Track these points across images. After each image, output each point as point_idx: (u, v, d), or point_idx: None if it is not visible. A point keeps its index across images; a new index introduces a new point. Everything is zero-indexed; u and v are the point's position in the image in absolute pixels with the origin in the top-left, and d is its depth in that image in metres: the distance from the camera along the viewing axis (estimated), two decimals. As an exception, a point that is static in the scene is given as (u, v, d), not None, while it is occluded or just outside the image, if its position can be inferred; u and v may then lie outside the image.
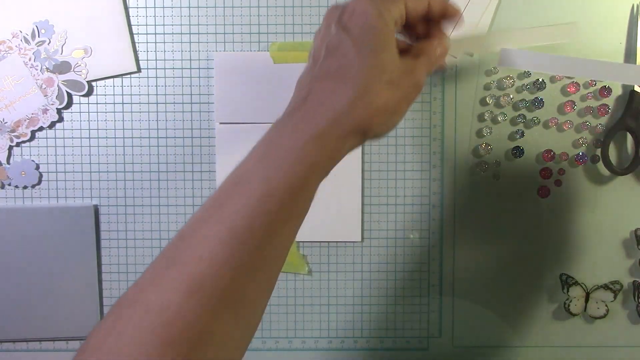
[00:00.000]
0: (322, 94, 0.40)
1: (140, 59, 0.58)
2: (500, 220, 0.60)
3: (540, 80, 0.58)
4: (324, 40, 0.42)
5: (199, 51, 0.59)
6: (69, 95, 0.58)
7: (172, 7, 0.58)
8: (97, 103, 0.59)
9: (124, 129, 0.59)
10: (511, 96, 0.59)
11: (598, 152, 0.59)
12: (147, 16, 0.58)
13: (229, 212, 0.36)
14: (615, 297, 0.60)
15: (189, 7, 0.58)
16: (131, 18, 0.58)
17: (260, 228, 0.36)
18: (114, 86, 0.58)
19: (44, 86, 0.57)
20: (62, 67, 0.57)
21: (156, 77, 0.59)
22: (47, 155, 0.59)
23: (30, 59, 0.57)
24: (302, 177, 0.37)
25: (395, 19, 0.42)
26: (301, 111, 0.39)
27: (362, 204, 0.60)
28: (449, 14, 0.47)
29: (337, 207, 0.59)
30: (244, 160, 0.38)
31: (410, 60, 0.43)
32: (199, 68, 0.59)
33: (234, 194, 0.37)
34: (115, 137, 0.59)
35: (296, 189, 0.37)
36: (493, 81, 0.59)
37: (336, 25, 0.41)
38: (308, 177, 0.38)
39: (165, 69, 0.59)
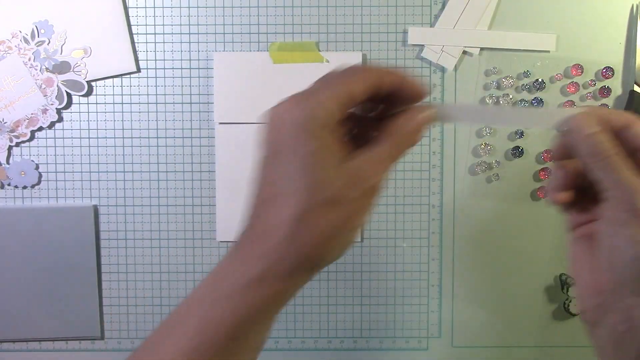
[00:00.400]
0: (263, 224, 0.35)
1: (140, 59, 0.58)
2: (500, 220, 0.60)
3: (540, 80, 0.58)
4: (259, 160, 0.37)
5: (199, 51, 0.59)
6: (69, 95, 0.58)
7: (172, 7, 0.58)
8: (96, 103, 0.59)
9: (123, 129, 0.59)
10: (511, 96, 0.59)
11: (598, 152, 0.59)
12: (147, 16, 0.58)
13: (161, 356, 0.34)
14: (615, 297, 0.60)
15: (189, 7, 0.58)
16: (131, 18, 0.58)
17: None
18: (113, 86, 0.58)
19: (43, 86, 0.57)
20: (62, 67, 0.57)
21: (156, 77, 0.59)
22: (47, 155, 0.59)
23: (30, 59, 0.57)
24: (244, 322, 0.34)
25: (332, 111, 0.34)
26: (246, 242, 0.35)
27: (362, 204, 0.60)
28: (412, 96, 0.38)
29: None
30: (191, 293, 0.36)
31: (363, 158, 0.36)
32: (199, 68, 0.59)
33: (167, 337, 0.35)
34: (115, 137, 0.59)
35: (237, 332, 0.34)
36: (493, 81, 0.59)
37: (262, 143, 0.36)
38: (252, 320, 0.34)
39: (165, 69, 0.59)
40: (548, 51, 0.59)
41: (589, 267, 0.38)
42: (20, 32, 0.57)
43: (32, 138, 0.58)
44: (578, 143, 0.36)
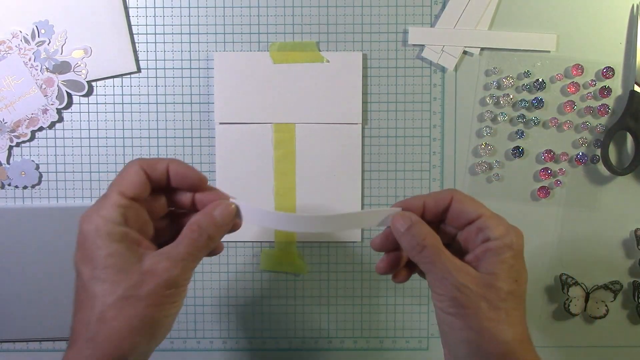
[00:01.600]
0: (75, 329, 0.39)
1: (140, 59, 0.58)
2: (500, 220, 0.60)
3: (540, 80, 0.58)
4: None
5: (199, 51, 0.59)
6: (69, 95, 0.58)
7: (172, 7, 0.58)
8: (97, 103, 0.59)
9: (123, 129, 0.59)
10: (511, 96, 0.59)
11: (598, 152, 0.59)
12: (147, 16, 0.58)
13: None
14: (615, 297, 0.60)
15: (189, 7, 0.58)
16: (131, 18, 0.58)
17: None
18: (113, 86, 0.59)
19: (44, 86, 0.57)
20: (62, 67, 0.57)
21: (156, 77, 0.59)
22: (47, 155, 0.59)
23: (30, 59, 0.57)
24: None
25: (112, 219, 0.38)
26: (68, 348, 0.39)
27: (362, 204, 0.60)
28: (195, 181, 0.42)
29: (337, 207, 0.59)
30: None
31: (157, 256, 0.39)
32: (199, 68, 0.59)
33: None
34: (115, 137, 0.59)
35: None
36: (493, 81, 0.59)
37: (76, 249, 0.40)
38: None
39: (165, 69, 0.59)
40: (548, 51, 0.59)
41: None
42: (21, 32, 0.57)
43: (32, 138, 0.59)
44: (399, 239, 0.41)
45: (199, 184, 0.42)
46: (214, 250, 0.42)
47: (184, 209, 0.44)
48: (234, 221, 0.42)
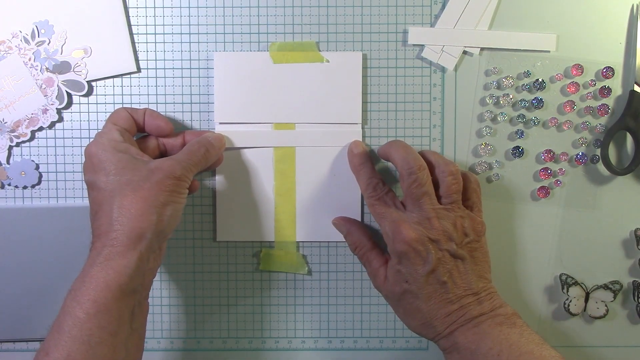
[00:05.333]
0: (96, 226, 0.49)
1: (140, 59, 0.58)
2: (500, 220, 0.60)
3: (540, 80, 0.58)
4: None
5: (199, 51, 0.59)
6: (69, 95, 0.58)
7: (172, 7, 0.58)
8: (97, 103, 0.59)
9: (123, 129, 0.59)
10: (511, 96, 0.59)
11: (598, 152, 0.59)
12: (147, 16, 0.58)
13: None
14: (615, 297, 0.60)
15: (189, 7, 0.58)
16: (131, 18, 0.58)
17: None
18: (113, 86, 0.59)
19: (43, 86, 0.57)
20: (62, 67, 0.57)
21: (156, 77, 0.59)
22: (47, 155, 0.59)
23: (30, 59, 0.57)
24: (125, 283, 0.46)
25: (114, 137, 0.52)
26: (93, 243, 0.49)
27: (362, 204, 0.60)
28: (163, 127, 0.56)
29: (337, 207, 0.59)
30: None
31: (162, 159, 0.51)
32: (199, 68, 0.59)
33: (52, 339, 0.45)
34: (115, 137, 0.59)
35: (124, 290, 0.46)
36: (493, 81, 0.59)
37: (85, 173, 0.52)
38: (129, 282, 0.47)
39: (165, 69, 0.59)
40: (548, 51, 0.59)
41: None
42: (21, 32, 0.57)
43: (32, 138, 0.59)
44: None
45: (168, 131, 0.55)
46: (191, 187, 0.53)
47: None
48: (224, 145, 0.57)
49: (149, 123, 0.55)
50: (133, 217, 0.46)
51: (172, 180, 0.48)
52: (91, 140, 0.51)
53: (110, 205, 0.47)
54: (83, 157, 0.59)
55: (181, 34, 0.58)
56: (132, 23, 0.58)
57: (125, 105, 0.59)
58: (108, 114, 0.58)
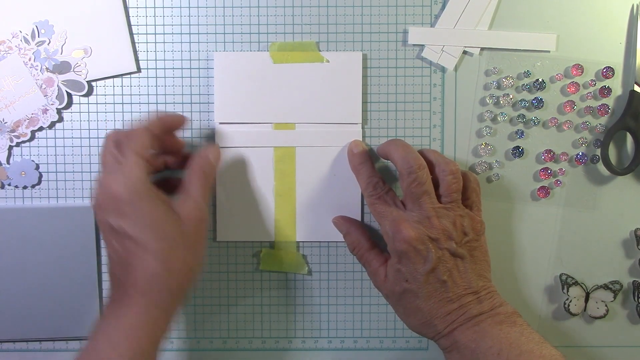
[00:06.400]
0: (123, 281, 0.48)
1: (140, 59, 0.58)
2: (500, 220, 0.60)
3: (540, 80, 0.58)
4: None
5: (199, 51, 0.59)
6: (69, 95, 0.58)
7: (172, 7, 0.58)
8: (97, 103, 0.59)
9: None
10: (511, 96, 0.59)
11: (598, 152, 0.59)
12: (147, 16, 0.58)
13: None
14: (615, 297, 0.60)
15: (189, 7, 0.58)
16: (131, 18, 0.58)
17: None
18: (113, 86, 0.59)
19: (44, 86, 0.57)
20: (62, 67, 0.57)
21: (156, 77, 0.59)
22: (47, 155, 0.59)
23: (30, 59, 0.57)
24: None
25: (141, 177, 0.47)
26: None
27: (362, 204, 0.60)
28: (176, 123, 0.54)
29: (337, 207, 0.59)
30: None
31: (185, 202, 0.49)
32: (199, 68, 0.59)
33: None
34: (115, 137, 0.59)
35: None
36: (493, 81, 0.59)
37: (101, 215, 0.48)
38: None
39: (165, 69, 0.59)
40: (548, 51, 0.59)
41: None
42: (21, 32, 0.57)
43: (32, 138, 0.59)
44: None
45: (183, 124, 0.55)
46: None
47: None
48: (221, 155, 0.56)
49: (165, 128, 0.53)
50: (175, 275, 0.46)
51: (204, 225, 0.50)
52: (109, 173, 0.47)
53: (145, 262, 0.45)
54: (83, 157, 0.59)
55: (181, 34, 0.58)
56: (132, 23, 0.58)
57: (125, 105, 0.59)
58: (108, 114, 0.59)
